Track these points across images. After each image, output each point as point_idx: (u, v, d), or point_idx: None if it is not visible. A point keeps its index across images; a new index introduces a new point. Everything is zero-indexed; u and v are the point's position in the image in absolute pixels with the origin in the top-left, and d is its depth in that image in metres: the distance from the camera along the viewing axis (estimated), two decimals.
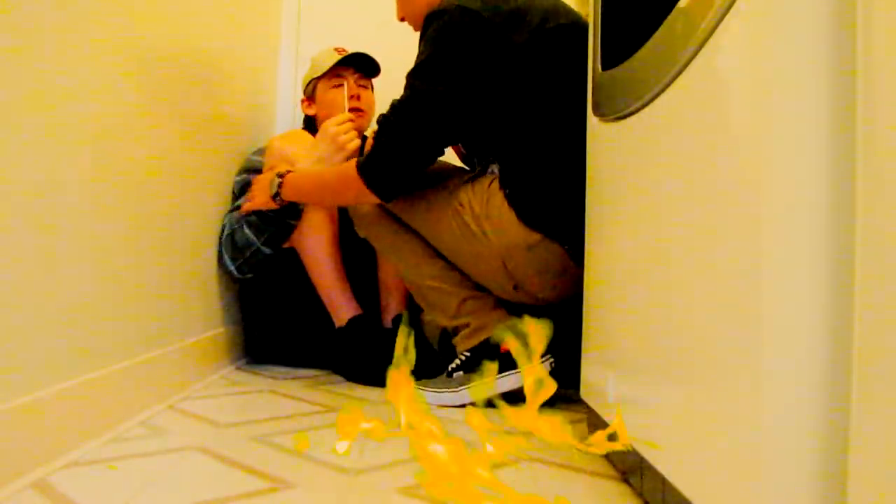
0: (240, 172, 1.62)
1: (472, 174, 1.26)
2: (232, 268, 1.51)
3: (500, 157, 1.23)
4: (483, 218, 1.19)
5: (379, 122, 1.21)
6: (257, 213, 1.47)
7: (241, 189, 1.57)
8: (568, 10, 1.23)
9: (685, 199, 0.60)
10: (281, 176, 1.37)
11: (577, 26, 1.19)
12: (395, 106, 1.19)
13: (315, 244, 1.51)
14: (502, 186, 1.19)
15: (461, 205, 1.22)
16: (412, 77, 1.18)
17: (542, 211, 1.16)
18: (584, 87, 1.06)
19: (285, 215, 1.47)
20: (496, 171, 1.24)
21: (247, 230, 1.49)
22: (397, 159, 1.19)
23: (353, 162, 1.23)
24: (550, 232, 1.16)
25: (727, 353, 0.50)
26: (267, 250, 1.50)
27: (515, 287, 1.22)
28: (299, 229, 1.52)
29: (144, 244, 1.11)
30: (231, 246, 1.50)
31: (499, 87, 1.16)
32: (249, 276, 1.53)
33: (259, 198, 1.44)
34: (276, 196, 1.38)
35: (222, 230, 1.53)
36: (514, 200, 1.17)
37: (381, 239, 1.35)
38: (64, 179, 0.87)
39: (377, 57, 1.68)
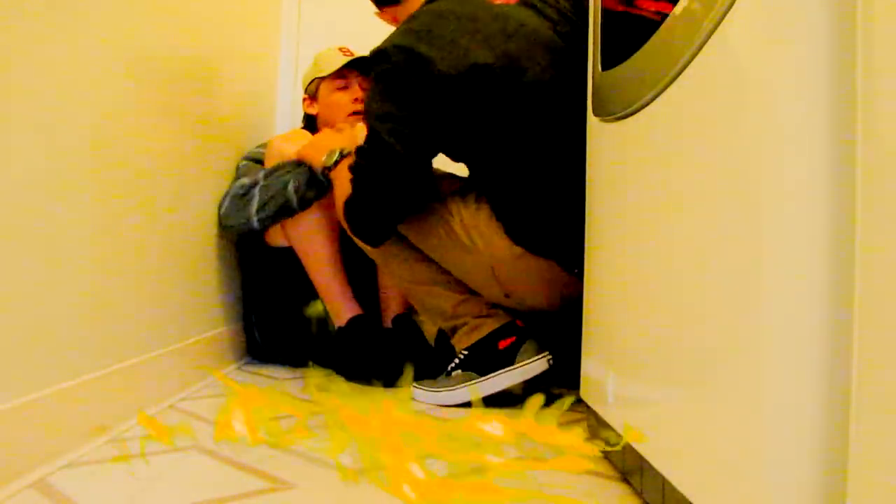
0: (244, 158, 1.64)
1: (462, 184, 1.26)
2: (253, 214, 1.49)
3: (483, 178, 1.22)
4: (471, 227, 1.20)
5: (351, 168, 1.19)
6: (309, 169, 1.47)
7: (245, 172, 1.59)
8: (542, 54, 1.14)
9: (685, 199, 0.60)
10: (342, 156, 1.35)
11: (550, 83, 1.12)
12: (364, 153, 1.16)
13: (314, 245, 1.51)
14: (488, 200, 1.20)
15: (450, 214, 1.22)
16: (372, 120, 1.14)
17: (528, 229, 1.17)
18: (563, 116, 1.09)
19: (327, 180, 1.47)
20: (484, 176, 1.24)
21: (290, 182, 1.48)
22: (379, 210, 1.19)
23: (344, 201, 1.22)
24: (537, 248, 1.17)
25: (728, 353, 0.50)
26: (295, 206, 1.49)
27: (507, 295, 1.23)
28: (297, 229, 1.51)
29: (144, 244, 1.11)
30: (262, 196, 1.49)
31: (464, 129, 1.14)
32: (258, 228, 1.52)
33: (313, 155, 1.44)
34: (327, 168, 1.37)
35: (241, 186, 1.52)
36: (500, 216, 1.18)
37: (380, 248, 1.35)
38: (63, 180, 0.87)
39: None
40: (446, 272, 1.28)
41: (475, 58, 1.08)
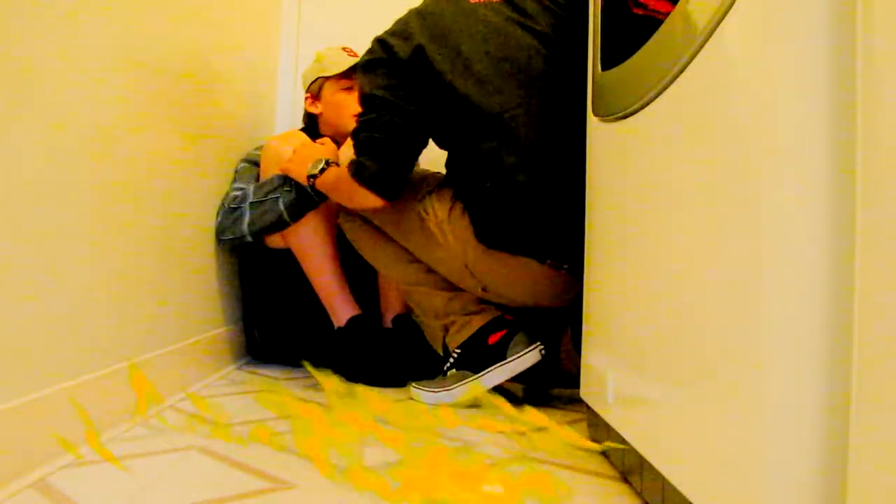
0: (241, 161, 1.64)
1: (441, 181, 1.28)
2: (245, 230, 1.49)
3: (451, 172, 1.25)
4: (445, 223, 1.22)
5: (353, 133, 1.25)
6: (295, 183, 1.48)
7: (242, 174, 1.59)
8: (496, 54, 1.18)
9: (685, 199, 0.60)
10: (328, 164, 1.38)
11: (499, 80, 1.16)
12: (362, 115, 1.22)
13: (312, 246, 1.51)
14: (460, 197, 1.22)
15: (426, 211, 1.25)
16: (364, 91, 1.22)
17: (490, 229, 1.18)
18: (516, 112, 1.14)
19: (316, 194, 1.47)
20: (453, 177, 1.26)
21: (280, 199, 1.49)
22: (383, 165, 1.22)
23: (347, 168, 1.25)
24: (499, 247, 1.18)
25: (728, 353, 0.50)
26: (288, 219, 1.49)
27: (484, 289, 1.25)
28: (295, 232, 1.51)
29: (144, 244, 1.11)
30: (252, 213, 1.50)
31: (430, 115, 1.20)
32: (252, 240, 1.52)
33: (297, 170, 1.45)
34: (312, 177, 1.39)
35: (233, 200, 1.52)
36: (470, 213, 1.20)
37: (365, 246, 1.39)
38: (63, 180, 0.87)
39: None
40: (434, 271, 1.29)
41: (419, 41, 1.18)
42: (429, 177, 1.33)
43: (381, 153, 1.21)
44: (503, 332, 1.22)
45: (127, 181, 1.04)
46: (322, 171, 1.37)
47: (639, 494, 0.76)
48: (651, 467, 0.67)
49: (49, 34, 0.83)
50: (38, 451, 0.79)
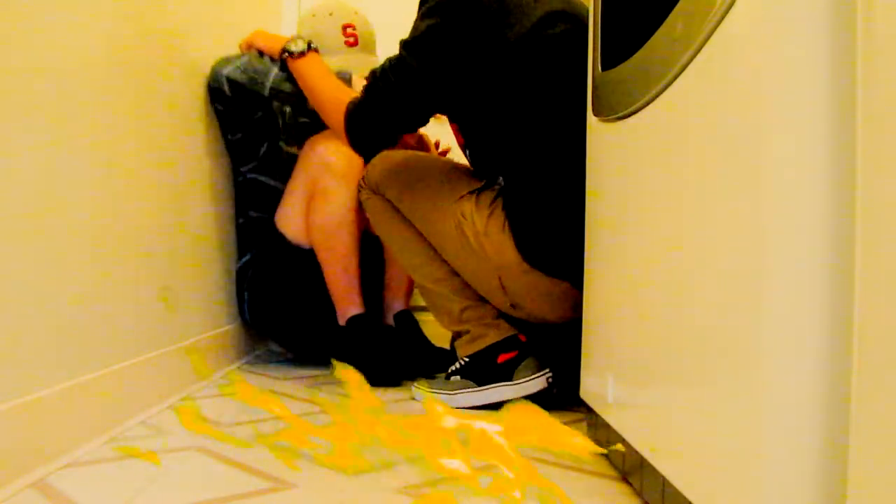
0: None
1: (481, 186, 1.23)
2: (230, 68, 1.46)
3: (506, 180, 1.20)
4: (482, 235, 1.17)
5: (368, 80, 1.20)
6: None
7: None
8: (575, 13, 1.17)
9: (685, 199, 0.60)
10: (307, 49, 1.35)
11: (578, 34, 1.13)
12: (386, 70, 1.17)
13: (336, 242, 1.49)
14: (504, 208, 1.17)
15: (464, 216, 1.20)
16: (404, 48, 1.16)
17: (539, 248, 1.15)
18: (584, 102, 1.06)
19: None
20: (503, 182, 1.21)
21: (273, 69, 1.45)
22: (378, 123, 1.20)
23: (349, 99, 1.22)
24: (546, 269, 1.15)
25: (728, 353, 0.50)
26: (266, 93, 1.45)
27: (513, 305, 1.22)
28: (321, 227, 1.49)
29: (144, 244, 1.11)
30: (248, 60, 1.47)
31: (489, 81, 1.14)
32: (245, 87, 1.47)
33: (269, 43, 1.42)
34: (289, 53, 1.36)
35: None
36: (514, 228, 1.15)
37: (385, 230, 1.34)
38: (63, 180, 0.87)
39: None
40: (458, 275, 1.26)
41: (542, 12, 1.13)
42: (467, 177, 1.27)
43: (382, 118, 1.18)
44: (514, 354, 1.20)
45: (126, 181, 1.04)
46: (302, 53, 1.33)
47: (639, 494, 0.76)
48: (651, 467, 0.67)
49: (50, 32, 0.83)
50: (38, 451, 0.79)
